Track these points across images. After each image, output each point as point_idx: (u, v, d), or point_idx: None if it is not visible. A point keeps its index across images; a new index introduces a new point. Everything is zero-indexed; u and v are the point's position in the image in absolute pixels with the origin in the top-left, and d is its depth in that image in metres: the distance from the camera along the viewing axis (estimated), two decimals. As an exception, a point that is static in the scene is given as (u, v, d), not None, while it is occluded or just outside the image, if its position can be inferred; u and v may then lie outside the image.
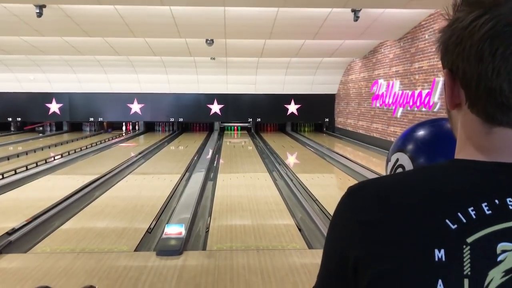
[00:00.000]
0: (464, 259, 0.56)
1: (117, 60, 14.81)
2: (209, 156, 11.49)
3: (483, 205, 0.58)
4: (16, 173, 8.21)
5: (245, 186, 7.73)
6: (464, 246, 0.56)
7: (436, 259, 0.56)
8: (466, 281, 0.55)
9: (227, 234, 4.89)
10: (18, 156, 10.78)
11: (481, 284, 0.54)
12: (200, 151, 12.35)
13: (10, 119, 17.44)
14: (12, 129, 18.12)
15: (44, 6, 8.36)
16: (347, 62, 15.81)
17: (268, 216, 5.62)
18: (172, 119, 17.86)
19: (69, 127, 18.56)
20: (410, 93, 10.39)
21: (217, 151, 12.50)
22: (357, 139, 14.21)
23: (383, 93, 12.16)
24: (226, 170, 9.41)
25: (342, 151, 12.33)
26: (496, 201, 0.58)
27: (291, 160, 11.01)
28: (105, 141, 14.35)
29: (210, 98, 17.55)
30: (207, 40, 11.49)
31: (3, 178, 7.73)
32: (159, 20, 9.39)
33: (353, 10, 8.83)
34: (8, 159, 10.26)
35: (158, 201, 6.36)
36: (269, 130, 19.05)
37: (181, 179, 8.16)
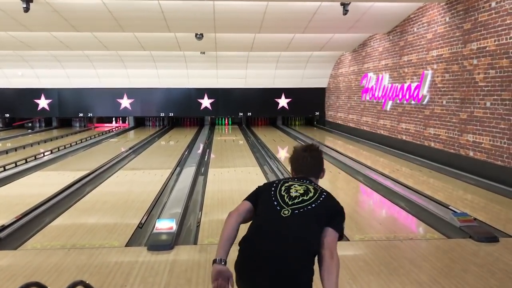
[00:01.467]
0: (281, 182, 2.28)
1: (106, 55, 14.71)
2: (200, 150, 11.48)
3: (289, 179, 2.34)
4: (5, 169, 8.15)
5: (236, 180, 7.74)
6: (281, 181, 2.31)
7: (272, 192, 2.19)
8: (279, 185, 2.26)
9: (218, 228, 4.88)
10: (7, 153, 10.70)
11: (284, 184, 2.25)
12: (191, 146, 12.34)
13: (-2, 115, 17.28)
14: (1, 125, 17.97)
15: (31, 0, 8.26)
16: (337, 56, 15.85)
17: (259, 210, 5.64)
18: (162, 114, 17.80)
19: (58, 123, 18.45)
20: (399, 86, 10.44)
21: (208, 146, 12.49)
22: (347, 133, 14.27)
23: (372, 86, 12.22)
24: (217, 165, 9.41)
25: (333, 144, 12.39)
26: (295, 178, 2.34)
27: (282, 154, 11.03)
28: (94, 137, 14.28)
29: (201, 92, 17.50)
30: (196, 34, 11.45)
31: (-8, 174, 7.67)
32: (148, 15, 9.33)
33: (342, 4, 8.85)
34: (-3, 156, 10.18)
35: (149, 196, 6.35)
36: (260, 124, 19.07)
37: (172, 174, 8.15)
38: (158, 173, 8.26)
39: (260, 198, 2.21)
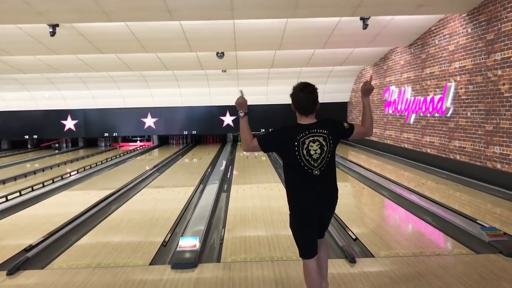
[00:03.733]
0: (300, 143, 2.95)
1: (130, 76, 15.00)
2: (222, 167, 11.53)
3: (302, 133, 2.97)
4: (33, 190, 8.33)
5: (259, 196, 7.73)
6: (298, 140, 2.96)
7: (295, 142, 2.95)
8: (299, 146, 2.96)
9: (241, 245, 4.89)
10: (35, 173, 10.94)
11: (303, 146, 2.96)
12: (213, 163, 12.40)
13: (26, 136, 17.72)
14: (29, 146, 18.45)
15: (57, 25, 8.53)
16: (358, 70, 15.79)
17: (282, 226, 5.61)
18: (185, 132, 17.98)
19: (84, 143, 18.81)
20: (422, 99, 10.33)
21: (231, 162, 12.53)
22: (370, 147, 14.13)
23: (395, 99, 12.11)
24: (239, 181, 9.43)
25: (356, 159, 12.28)
26: (306, 131, 2.98)
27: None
28: (119, 156, 14.49)
29: (223, 110, 17.65)
30: (217, 53, 11.59)
31: (20, 195, 7.84)
32: (170, 36, 9.51)
33: (361, 18, 8.85)
34: (26, 176, 10.43)
35: (173, 214, 6.39)
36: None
37: (195, 191, 8.19)
38: (181, 190, 8.32)
39: (279, 151, 3.07)
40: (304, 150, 2.95)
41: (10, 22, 8.29)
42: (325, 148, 2.98)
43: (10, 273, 4.01)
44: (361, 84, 15.08)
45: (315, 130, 2.99)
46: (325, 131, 3.00)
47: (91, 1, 6.64)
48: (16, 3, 6.68)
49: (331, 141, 3.00)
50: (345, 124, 3.19)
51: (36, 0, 6.70)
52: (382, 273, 3.92)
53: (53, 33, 8.59)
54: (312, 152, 2.95)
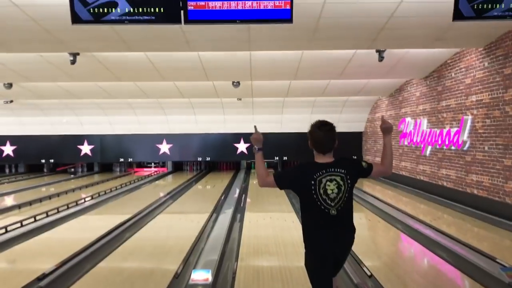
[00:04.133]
0: (317, 182, 2.97)
1: (147, 102, 15.20)
2: (236, 195, 11.52)
3: (319, 172, 3.00)
4: (47, 215, 8.39)
5: (272, 227, 7.67)
6: (315, 179, 2.99)
7: (312, 181, 2.97)
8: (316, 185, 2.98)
9: (254, 278, 4.84)
10: (50, 198, 11.02)
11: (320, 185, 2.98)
12: (227, 191, 12.40)
13: (43, 160, 17.95)
14: (45, 170, 18.66)
15: (78, 53, 8.73)
16: (373, 100, 15.81)
17: (296, 259, 5.54)
18: (199, 159, 18.07)
19: (99, 168, 18.97)
20: (438, 131, 10.26)
21: (244, 190, 12.51)
22: (385, 178, 14.01)
23: (410, 131, 12.05)
24: (253, 210, 9.39)
25: (371, 190, 12.16)
26: (323, 170, 3.01)
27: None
28: (134, 182, 14.57)
29: (237, 137, 17.73)
30: (233, 82, 11.72)
31: (35, 220, 7.90)
32: (187, 65, 9.66)
33: (377, 51, 8.90)
34: (41, 201, 10.51)
35: (186, 243, 6.35)
36: (296, 168, 18.96)
37: (208, 219, 8.17)
38: (195, 218, 8.30)
39: (296, 189, 3.10)
40: (321, 190, 2.97)
41: (33, 50, 8.51)
42: (343, 188, 3.00)
43: (23, 302, 4.01)
44: (379, 121, 14.71)
45: (333, 169, 3.03)
46: (343, 171, 3.04)
47: (112, 31, 6.80)
48: (39, 33, 6.86)
49: (348, 181, 3.03)
50: (364, 164, 3.23)
51: (58, 29, 6.86)
52: (398, 313, 3.83)
53: (73, 61, 8.77)
54: (329, 192, 2.97)
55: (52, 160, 18.07)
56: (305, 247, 3.09)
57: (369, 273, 4.88)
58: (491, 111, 8.01)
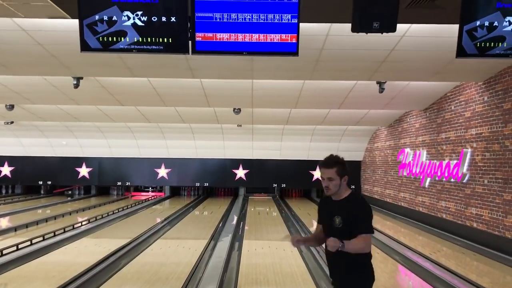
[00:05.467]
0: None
1: (147, 127, 15.25)
2: (234, 222, 11.46)
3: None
4: (44, 239, 8.31)
5: (271, 256, 7.60)
6: None
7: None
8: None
9: (253, 310, 4.77)
10: (46, 221, 10.93)
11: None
12: (225, 218, 12.32)
13: (40, 182, 17.87)
14: (42, 192, 18.57)
15: (81, 78, 8.81)
16: (372, 130, 15.89)
17: (295, 291, 5.49)
18: (197, 184, 18.01)
19: (96, 191, 18.87)
20: (438, 163, 10.30)
21: (242, 218, 12.44)
22: (384, 208, 13.97)
23: (410, 162, 12.09)
24: (251, 237, 9.32)
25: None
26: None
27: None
28: (131, 206, 14.49)
29: (236, 163, 17.73)
30: (234, 109, 11.79)
31: (31, 244, 7.82)
32: (189, 92, 9.74)
33: (378, 82, 9.00)
34: (37, 224, 10.43)
35: (184, 271, 6.30)
36: (294, 195, 18.95)
37: (206, 247, 8.10)
38: (192, 246, 8.22)
39: None
40: None
41: (38, 74, 8.59)
42: None
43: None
44: (379, 151, 14.76)
45: None
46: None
47: (117, 58, 6.88)
48: (45, 57, 6.94)
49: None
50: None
51: (64, 54, 6.95)
52: None
53: (76, 85, 8.84)
54: None
55: (49, 182, 17.98)
56: (364, 278, 3.16)
57: (369, 307, 4.82)
58: (491, 145, 8.06)
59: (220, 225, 10.91)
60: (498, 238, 7.78)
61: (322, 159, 3.11)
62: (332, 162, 3.05)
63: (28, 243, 7.81)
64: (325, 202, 3.19)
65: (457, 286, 5.67)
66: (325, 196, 3.15)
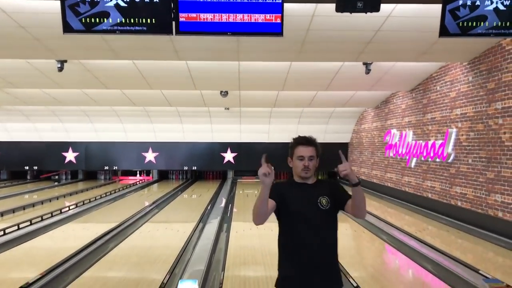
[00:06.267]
0: None
1: (134, 110, 15.15)
2: (222, 205, 11.50)
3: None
4: (31, 223, 8.28)
5: (259, 237, 7.65)
6: None
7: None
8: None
9: (241, 290, 4.83)
10: (33, 206, 10.88)
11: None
12: (213, 200, 12.36)
13: (27, 167, 17.72)
14: (29, 177, 18.41)
15: (65, 61, 8.69)
16: (359, 112, 15.97)
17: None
18: (185, 168, 18.00)
19: (84, 175, 18.78)
20: (423, 143, 10.40)
21: (230, 200, 12.49)
22: (371, 188, 14.12)
23: (396, 143, 12.19)
24: (239, 219, 9.37)
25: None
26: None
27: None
28: (119, 190, 14.45)
29: (224, 146, 17.73)
30: (221, 91, 11.75)
31: (18, 229, 7.79)
32: (175, 74, 9.67)
33: (364, 63, 9.02)
34: (24, 209, 10.38)
35: (172, 253, 6.32)
36: (283, 178, 19.03)
37: (194, 229, 8.14)
38: (181, 228, 8.26)
39: None
40: None
41: (21, 57, 8.45)
42: None
43: (7, 313, 3.95)
44: (365, 132, 14.70)
45: None
46: None
47: (101, 40, 6.79)
48: (27, 40, 6.82)
49: None
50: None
51: (47, 37, 6.84)
52: (384, 324, 3.86)
53: (61, 69, 8.73)
54: None
55: (35, 167, 17.84)
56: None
57: (355, 284, 4.91)
58: (475, 125, 8.16)
59: (209, 207, 10.95)
60: (481, 216, 7.93)
61: (297, 138, 2.84)
62: (313, 140, 2.81)
63: (15, 227, 7.77)
64: (297, 186, 2.79)
65: (442, 263, 5.78)
66: (290, 181, 2.85)
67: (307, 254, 2.62)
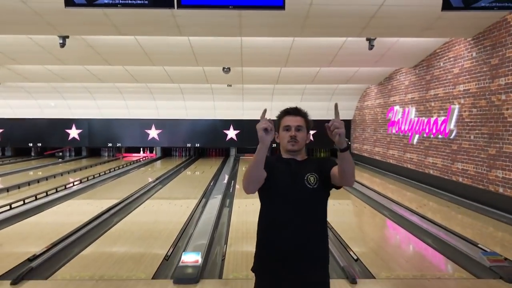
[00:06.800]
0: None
1: (136, 87, 15.13)
2: (225, 181, 11.57)
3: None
4: (36, 198, 8.38)
5: (261, 212, 7.74)
6: None
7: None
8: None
9: (243, 262, 4.91)
10: (38, 182, 10.99)
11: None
12: (216, 177, 12.44)
13: (31, 144, 17.82)
14: (33, 154, 18.54)
15: (67, 36, 8.66)
16: (362, 89, 15.90)
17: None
18: (188, 145, 18.06)
19: (87, 152, 18.89)
20: (426, 120, 10.39)
21: (233, 177, 12.57)
22: (373, 165, 14.17)
23: (399, 119, 12.18)
24: (242, 196, 9.43)
25: (359, 177, 12.29)
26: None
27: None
28: (122, 167, 14.55)
29: (227, 123, 17.75)
30: (224, 68, 11.71)
31: (24, 203, 7.90)
32: (178, 50, 9.63)
33: (368, 39, 8.96)
34: (29, 185, 10.48)
35: (175, 228, 6.42)
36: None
37: (197, 205, 8.23)
38: (184, 204, 8.35)
39: None
40: None
41: (22, 32, 8.43)
42: None
43: (15, 282, 4.04)
44: (368, 109, 14.50)
45: None
46: None
47: (102, 15, 6.75)
48: (29, 14, 6.79)
49: None
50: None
51: (48, 12, 6.80)
52: (383, 295, 3.94)
53: (63, 44, 8.70)
54: None
55: (39, 144, 17.94)
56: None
57: (355, 257, 5.00)
58: (478, 101, 8.14)
59: (212, 184, 11.02)
60: (482, 192, 7.98)
61: (285, 109, 2.64)
62: (302, 110, 2.60)
63: (21, 202, 7.88)
64: (283, 162, 2.53)
65: (442, 238, 5.84)
66: (277, 156, 2.61)
67: (287, 240, 2.35)
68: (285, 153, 2.55)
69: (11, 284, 4.04)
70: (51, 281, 4.24)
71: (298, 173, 2.43)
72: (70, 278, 4.34)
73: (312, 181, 2.41)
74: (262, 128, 2.22)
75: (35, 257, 4.78)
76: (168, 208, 8.25)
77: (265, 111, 2.35)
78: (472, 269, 4.66)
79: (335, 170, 2.38)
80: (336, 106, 2.39)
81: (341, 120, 2.29)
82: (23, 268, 4.42)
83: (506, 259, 4.76)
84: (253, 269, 2.50)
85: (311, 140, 2.55)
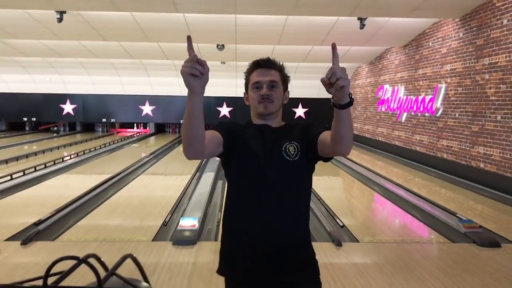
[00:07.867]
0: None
1: (130, 63, 15.25)
2: (218, 157, 11.82)
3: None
4: (35, 170, 8.61)
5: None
6: None
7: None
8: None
9: (237, 228, 5.21)
10: (35, 155, 11.22)
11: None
12: (209, 153, 12.67)
13: (25, 119, 17.95)
14: (27, 128, 18.68)
15: (64, 12, 8.79)
16: (354, 68, 16.14)
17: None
18: (182, 121, 18.21)
19: (82, 127, 19.06)
20: (414, 98, 10.70)
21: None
22: (363, 143, 14.52)
23: (388, 98, 12.48)
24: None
25: (349, 154, 12.62)
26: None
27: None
28: (117, 142, 14.77)
29: (220, 101, 17.96)
30: (218, 45, 11.88)
31: (24, 174, 8.12)
32: (173, 26, 9.79)
33: (359, 18, 9.19)
34: (27, 157, 10.70)
35: (171, 200, 6.67)
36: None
37: (192, 178, 8.49)
38: (179, 177, 8.63)
39: None
40: None
41: (20, 7, 8.55)
42: None
43: (24, 243, 4.33)
44: (360, 88, 14.60)
45: None
46: None
47: (100, -9, 6.92)
48: (28, -11, 6.95)
49: None
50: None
51: (47, -13, 6.97)
52: (366, 256, 4.29)
53: (60, 19, 8.84)
54: None
55: (34, 119, 18.08)
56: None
57: (341, 224, 5.33)
58: (463, 80, 8.44)
59: (205, 159, 11.29)
60: (464, 167, 8.36)
61: (254, 60, 2.04)
62: (277, 62, 2.01)
63: (21, 173, 8.10)
64: (255, 129, 1.95)
65: (425, 209, 6.20)
66: (247, 122, 2.01)
67: (259, 230, 1.78)
68: (256, 117, 1.97)
69: (21, 244, 4.33)
70: (59, 242, 4.54)
71: (273, 143, 1.87)
72: (76, 240, 4.65)
73: (292, 152, 1.84)
74: (187, 73, 1.49)
75: (40, 222, 5.06)
76: (163, 182, 8.52)
77: (189, 38, 1.51)
78: (449, 235, 5.02)
79: (324, 136, 1.81)
80: (334, 46, 1.59)
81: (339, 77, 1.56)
82: (31, 231, 4.69)
83: (481, 226, 5.12)
84: (220, 271, 1.90)
85: (288, 99, 2.02)
